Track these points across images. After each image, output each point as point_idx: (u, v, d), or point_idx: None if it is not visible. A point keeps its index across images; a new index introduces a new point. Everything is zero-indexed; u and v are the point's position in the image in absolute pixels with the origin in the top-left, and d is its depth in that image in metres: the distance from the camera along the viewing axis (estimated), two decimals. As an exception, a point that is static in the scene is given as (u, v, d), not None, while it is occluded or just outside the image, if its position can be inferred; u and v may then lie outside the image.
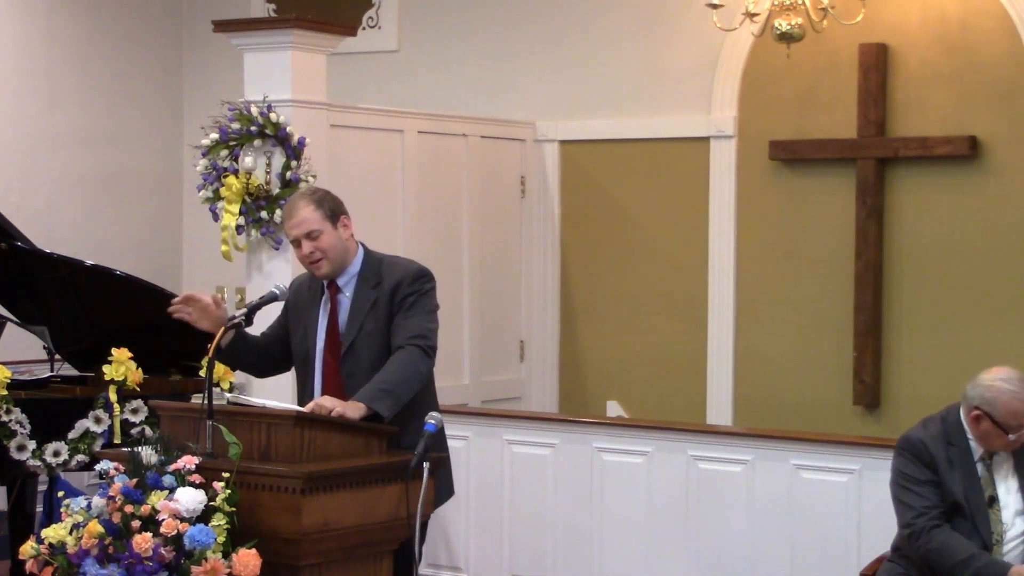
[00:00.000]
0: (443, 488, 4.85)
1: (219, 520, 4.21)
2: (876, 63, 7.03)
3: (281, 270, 6.49)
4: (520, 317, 7.95)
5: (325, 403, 4.51)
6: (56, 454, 5.86)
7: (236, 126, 6.50)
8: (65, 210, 8.36)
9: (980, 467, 4.80)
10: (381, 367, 4.67)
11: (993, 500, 4.79)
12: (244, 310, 4.76)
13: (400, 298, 4.74)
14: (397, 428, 4.59)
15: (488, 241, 7.71)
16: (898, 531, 4.94)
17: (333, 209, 4.79)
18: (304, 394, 4.86)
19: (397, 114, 7.27)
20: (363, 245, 4.89)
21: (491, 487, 6.61)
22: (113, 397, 5.93)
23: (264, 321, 5.01)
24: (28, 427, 5.84)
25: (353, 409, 4.52)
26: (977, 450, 4.80)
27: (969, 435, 4.80)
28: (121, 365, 5.94)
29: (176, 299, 4.84)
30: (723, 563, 6.07)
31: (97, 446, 5.85)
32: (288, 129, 6.44)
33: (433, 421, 4.48)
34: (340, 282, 4.83)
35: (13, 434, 5.82)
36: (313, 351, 4.83)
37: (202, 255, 8.63)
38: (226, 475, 4.28)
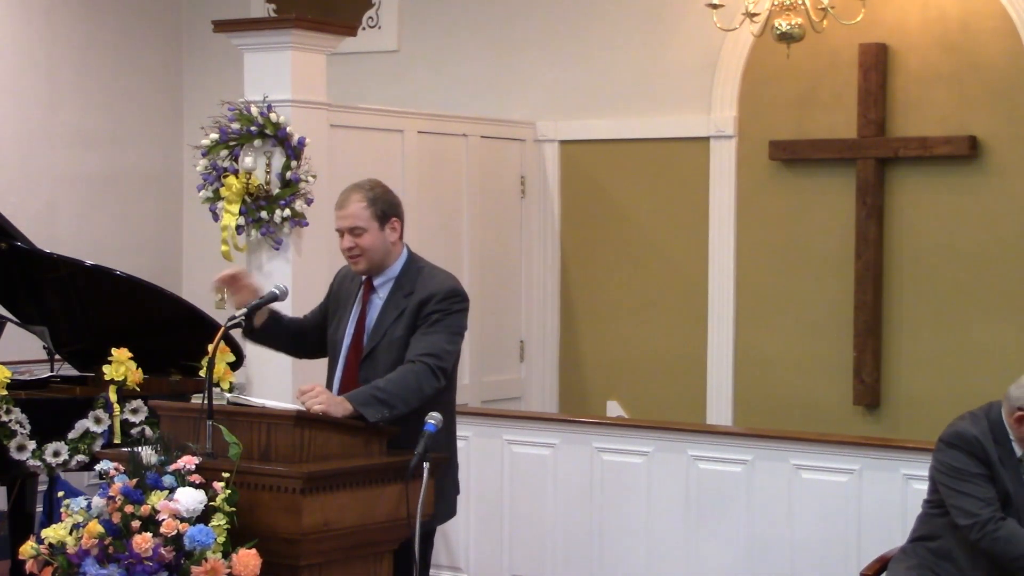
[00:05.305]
0: (443, 507, 4.79)
1: (219, 520, 4.21)
2: (876, 63, 7.03)
3: (281, 270, 6.49)
4: (520, 317, 7.95)
5: (315, 407, 4.48)
6: (56, 454, 5.86)
7: (236, 126, 6.50)
8: (65, 210, 8.35)
9: (1022, 468, 4.83)
10: None
11: None
12: (244, 310, 4.76)
13: (426, 313, 4.69)
14: (398, 429, 4.58)
15: (488, 241, 7.70)
16: (922, 516, 5.01)
17: (384, 210, 4.77)
18: (329, 384, 4.84)
19: (397, 114, 7.27)
20: (408, 249, 4.86)
21: (491, 487, 6.61)
22: (113, 397, 5.92)
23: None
24: (28, 427, 5.83)
25: (338, 406, 4.48)
26: (1018, 450, 4.82)
27: (1011, 435, 4.81)
28: (121, 365, 5.94)
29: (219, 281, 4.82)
30: (723, 563, 6.07)
31: (97, 446, 5.84)
32: (288, 129, 6.44)
33: (433, 421, 4.46)
34: (376, 282, 4.81)
35: (13, 434, 5.81)
36: (340, 345, 4.84)
37: (202, 255, 8.62)
38: (226, 475, 4.28)
